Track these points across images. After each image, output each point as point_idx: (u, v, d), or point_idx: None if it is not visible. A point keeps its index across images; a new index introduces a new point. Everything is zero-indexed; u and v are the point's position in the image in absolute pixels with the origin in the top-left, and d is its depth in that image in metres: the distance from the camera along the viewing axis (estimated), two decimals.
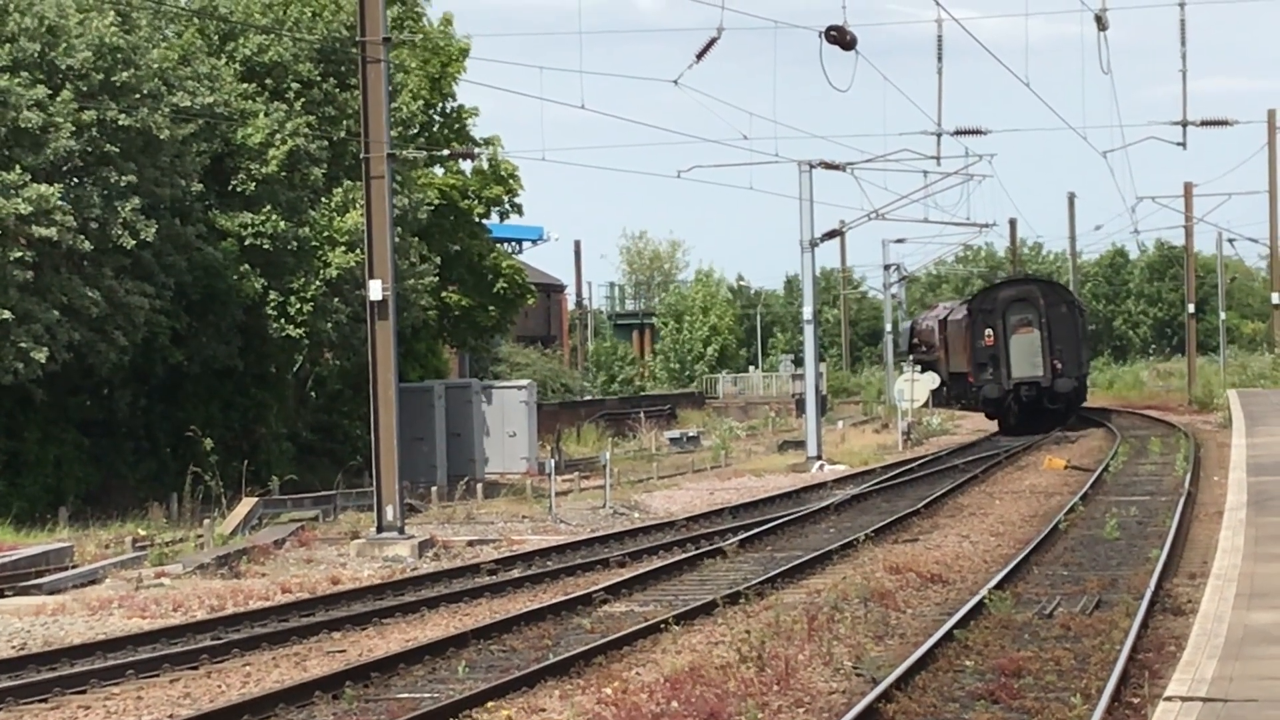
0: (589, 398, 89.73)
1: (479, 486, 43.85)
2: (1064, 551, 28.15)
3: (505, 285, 56.10)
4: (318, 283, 44.53)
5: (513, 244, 75.12)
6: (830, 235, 58.77)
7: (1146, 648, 18.38)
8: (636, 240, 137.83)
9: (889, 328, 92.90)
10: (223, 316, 43.78)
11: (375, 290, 31.37)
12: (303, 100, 45.79)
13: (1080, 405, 67.48)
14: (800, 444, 56.28)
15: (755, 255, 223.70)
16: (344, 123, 45.80)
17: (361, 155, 32.37)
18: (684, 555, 28.65)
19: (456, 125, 54.28)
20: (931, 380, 62.28)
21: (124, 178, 39.31)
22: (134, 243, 39.16)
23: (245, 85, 45.21)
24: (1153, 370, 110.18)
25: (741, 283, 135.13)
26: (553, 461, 42.12)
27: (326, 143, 45.50)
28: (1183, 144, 47.28)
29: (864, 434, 66.53)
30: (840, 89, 34.43)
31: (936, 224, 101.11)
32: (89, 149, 39.12)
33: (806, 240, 53.05)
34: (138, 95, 39.98)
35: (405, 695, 17.84)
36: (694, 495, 42.70)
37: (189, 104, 41.73)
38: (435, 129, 53.22)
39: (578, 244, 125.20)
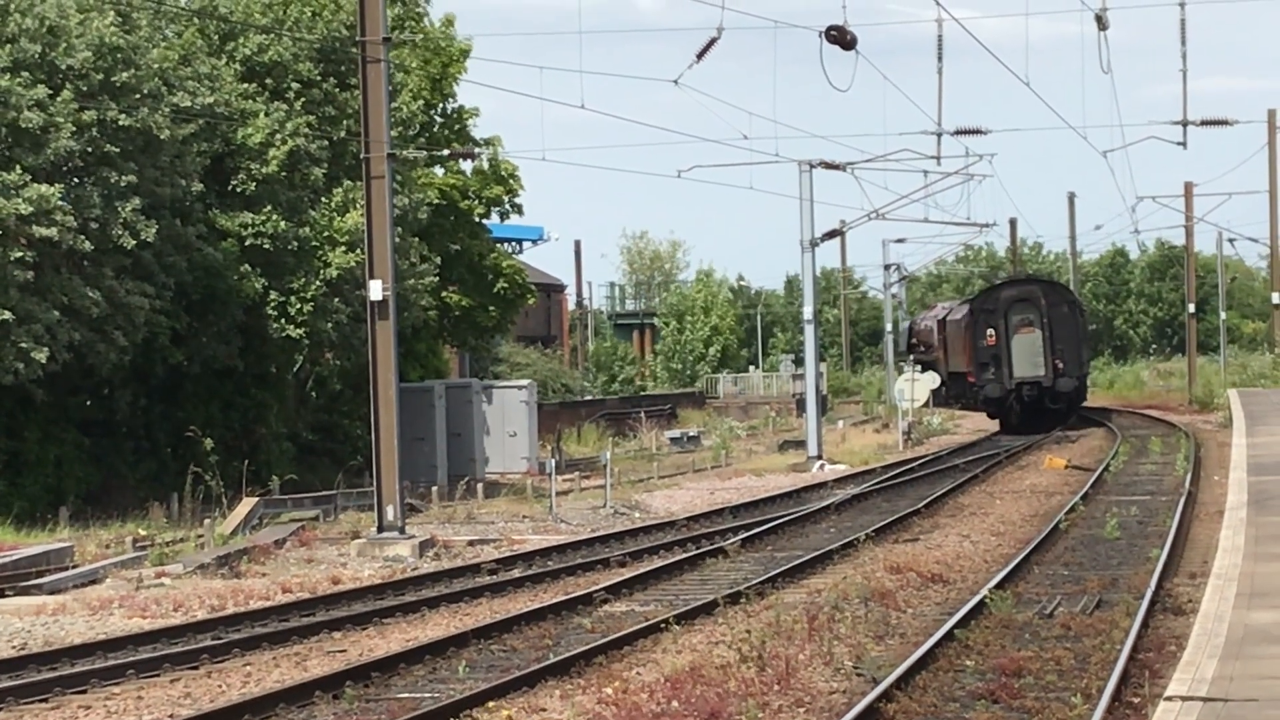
0: (589, 398, 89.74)
1: (479, 486, 43.85)
2: (1064, 551, 28.15)
3: (505, 285, 56.10)
4: (318, 283, 44.53)
5: (513, 244, 75.11)
6: (830, 235, 58.78)
7: (1147, 647, 18.38)
8: (637, 240, 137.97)
9: (889, 327, 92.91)
10: (223, 316, 43.78)
11: (375, 290, 31.38)
12: (303, 100, 45.79)
13: (1081, 405, 67.70)
14: (801, 444, 56.29)
15: (755, 255, 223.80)
16: (344, 122, 45.80)
17: (362, 155, 32.37)
18: (684, 555, 28.65)
19: (457, 126, 54.28)
20: (932, 380, 62.32)
21: (124, 178, 39.31)
22: (134, 243, 39.16)
23: (245, 85, 45.20)
24: (1153, 370, 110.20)
25: (742, 283, 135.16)
26: (553, 461, 42.11)
27: (326, 143, 45.50)
28: (1183, 144, 47.30)
29: (864, 434, 66.54)
30: (840, 89, 34.44)
31: (937, 224, 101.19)
32: (89, 149, 39.12)
33: (807, 240, 53.05)
34: (138, 95, 39.98)
35: (406, 695, 17.84)
36: (694, 495, 42.70)
37: (189, 104, 41.73)
38: (436, 129, 53.23)
39: (578, 244, 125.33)
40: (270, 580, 27.56)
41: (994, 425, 66.77)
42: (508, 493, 44.37)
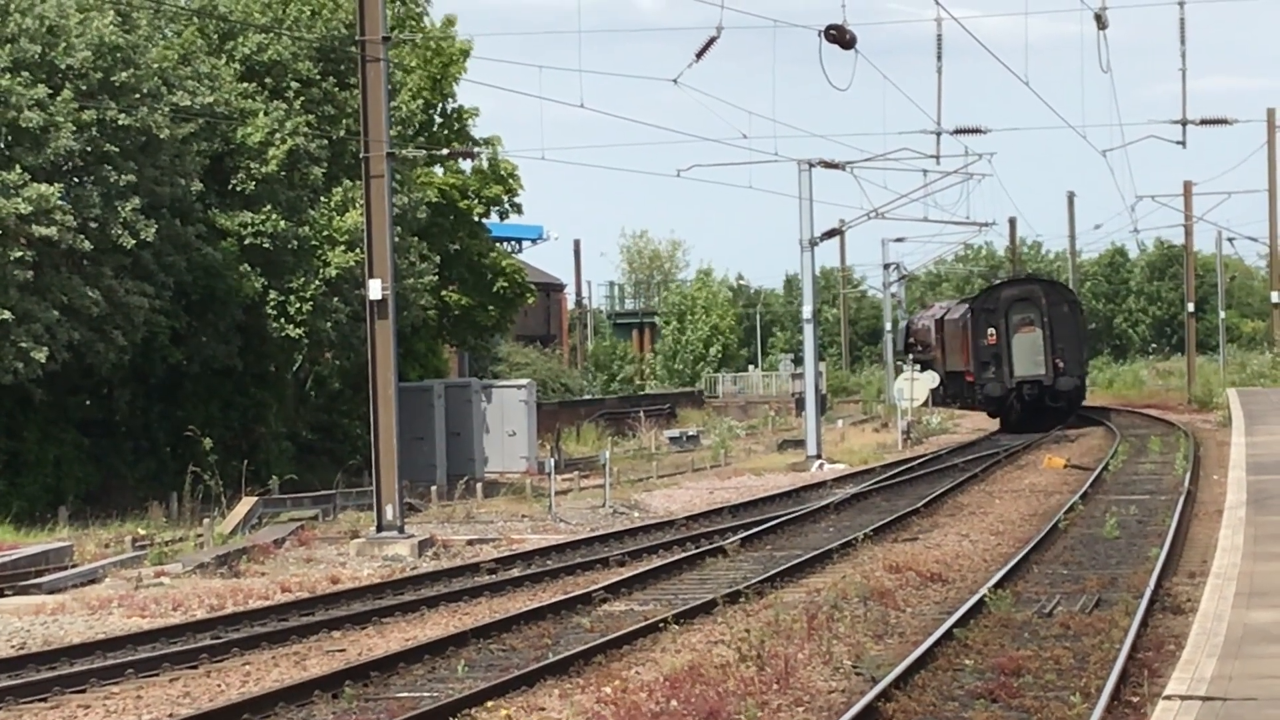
0: (588, 397, 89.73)
1: (479, 486, 43.85)
2: (1064, 550, 28.15)
3: (505, 284, 56.10)
4: (317, 282, 44.52)
5: (512, 243, 75.13)
6: (830, 234, 58.79)
7: (1146, 647, 18.38)
8: (637, 239, 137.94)
9: (888, 327, 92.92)
10: (222, 316, 43.77)
11: (375, 289, 31.38)
12: (302, 99, 45.79)
13: (1080, 404, 67.86)
14: (800, 443, 56.28)
15: (755, 254, 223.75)
16: (343, 121, 45.79)
17: (361, 155, 32.37)
18: (683, 554, 28.65)
19: (457, 125, 54.28)
20: (931, 379, 62.40)
21: (124, 177, 39.31)
22: (134, 242, 39.15)
23: (245, 85, 45.19)
24: (1152, 369, 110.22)
25: (741, 282, 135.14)
26: (552, 461, 42.12)
27: (326, 142, 45.49)
28: (1182, 143, 47.32)
29: (863, 433, 66.56)
30: (840, 88, 34.43)
31: (936, 223, 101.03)
32: (89, 148, 39.11)
33: (806, 239, 53.05)
34: (137, 95, 39.98)
35: (405, 694, 17.84)
36: (693, 494, 42.70)
37: (189, 104, 41.73)
38: (435, 129, 53.22)
39: (577, 243, 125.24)
40: (269, 580, 27.56)
41: (993, 425, 66.92)
42: (507, 492, 44.37)
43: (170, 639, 21.52)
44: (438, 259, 49.54)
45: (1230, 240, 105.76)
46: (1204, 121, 50.18)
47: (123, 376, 42.83)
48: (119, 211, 39.01)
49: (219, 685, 18.76)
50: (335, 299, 44.82)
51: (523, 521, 36.54)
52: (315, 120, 45.57)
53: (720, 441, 62.54)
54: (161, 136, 40.31)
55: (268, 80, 45.98)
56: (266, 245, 44.11)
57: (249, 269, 43.68)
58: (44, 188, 37.33)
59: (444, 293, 53.87)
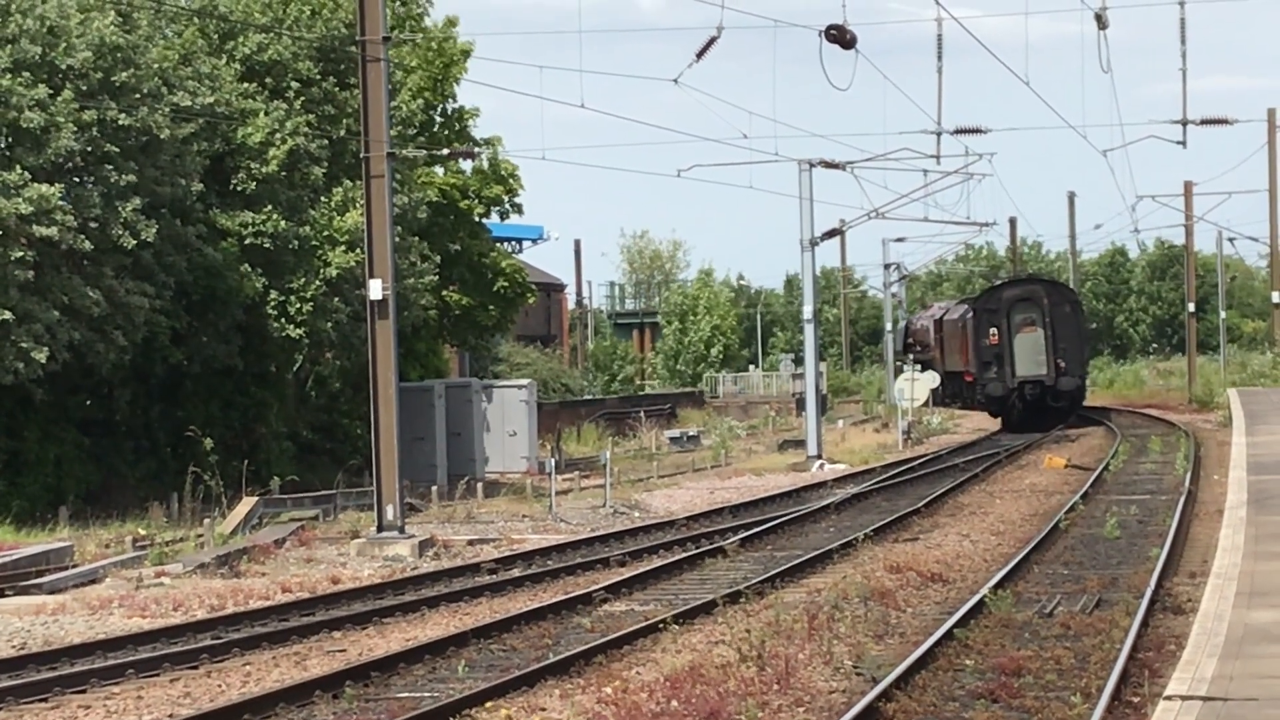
0: (589, 397, 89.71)
1: (479, 486, 43.84)
2: (1064, 550, 28.15)
3: (505, 284, 56.09)
4: (318, 282, 44.51)
5: (513, 243, 75.10)
6: (830, 234, 58.80)
7: (1147, 647, 18.38)
8: (637, 239, 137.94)
9: (889, 327, 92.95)
10: (223, 316, 43.77)
11: (375, 289, 31.37)
12: (302, 99, 45.78)
13: (1081, 404, 68.09)
14: (800, 443, 56.28)
15: (755, 254, 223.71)
16: (344, 121, 45.79)
17: (361, 155, 32.36)
18: (684, 554, 28.65)
19: (457, 126, 54.27)
20: (932, 379, 62.47)
21: (124, 177, 39.30)
22: (134, 242, 39.14)
23: (245, 85, 45.18)
24: (1153, 369, 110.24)
25: (742, 282, 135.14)
26: (553, 461, 42.11)
27: (326, 142, 45.49)
28: (1183, 143, 47.33)
29: (864, 433, 66.57)
30: (840, 88, 34.43)
31: (937, 223, 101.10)
32: (89, 149, 39.11)
33: (806, 239, 53.05)
34: (138, 95, 39.97)
35: (405, 695, 17.84)
36: (694, 494, 42.69)
37: (189, 104, 41.72)
38: (436, 129, 53.21)
39: (578, 243, 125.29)
40: (270, 580, 27.55)
41: (993, 425, 67.04)
42: (507, 492, 44.36)
43: (171, 639, 21.52)
44: (438, 259, 49.54)
45: (1231, 240, 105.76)
46: (1204, 121, 50.21)
47: (123, 376, 42.82)
48: (119, 211, 39.00)
49: (219, 685, 18.76)
50: (336, 299, 44.81)
51: (523, 521, 36.54)
52: (315, 120, 45.56)
53: (721, 442, 62.53)
54: (162, 136, 40.31)
55: (268, 80, 45.98)
56: (267, 245, 44.10)
57: (249, 269, 43.67)
58: (44, 188, 37.33)
59: (444, 293, 53.87)
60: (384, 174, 31.70)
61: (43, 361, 37.42)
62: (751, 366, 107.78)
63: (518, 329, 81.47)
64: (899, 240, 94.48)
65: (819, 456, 51.70)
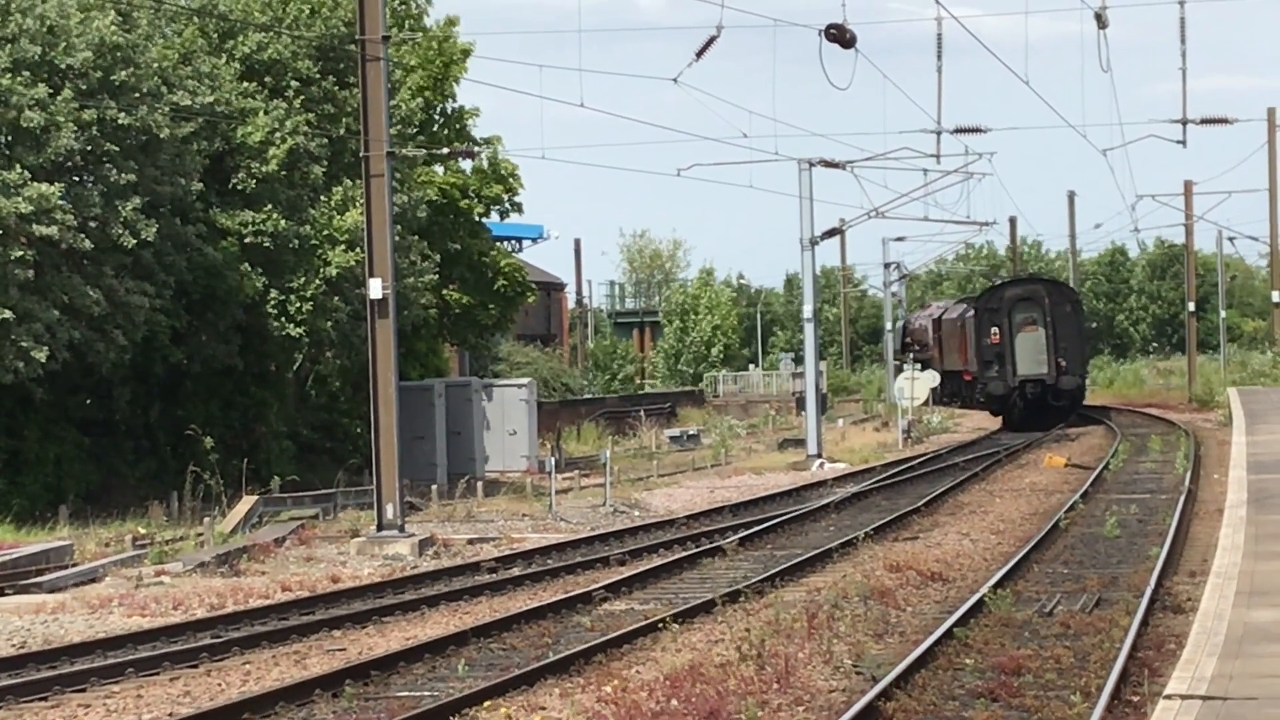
0: (589, 396, 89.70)
1: (479, 485, 43.82)
2: (1064, 550, 28.15)
3: (505, 283, 56.07)
4: (318, 281, 44.50)
5: (513, 243, 75.08)
6: (830, 234, 58.81)
7: (1146, 646, 18.38)
8: (637, 239, 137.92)
9: (889, 326, 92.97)
10: (223, 315, 43.76)
11: (375, 289, 31.37)
12: (302, 98, 45.77)
13: (1082, 403, 68.31)
14: (800, 442, 56.29)
15: (755, 253, 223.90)
16: (343, 120, 45.77)
17: (361, 154, 32.35)
18: (684, 553, 28.65)
19: (457, 125, 54.25)
20: (932, 378, 62.56)
21: (124, 177, 39.29)
22: (134, 242, 39.13)
23: (245, 84, 45.16)
24: (1153, 368, 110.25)
25: (742, 281, 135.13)
26: (553, 460, 42.10)
27: (326, 140, 45.47)
28: (1183, 142, 47.39)
29: (864, 432, 66.59)
30: (840, 87, 34.47)
31: (937, 222, 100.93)
32: (89, 148, 39.09)
33: (806, 238, 53.05)
34: (138, 94, 39.96)
35: (405, 693, 17.84)
36: (694, 493, 42.70)
37: (189, 103, 41.71)
38: (436, 129, 53.19)
39: (578, 242, 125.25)
40: (270, 579, 27.55)
41: (993, 424, 67.18)
42: (507, 491, 44.35)
43: (171, 638, 21.52)
44: (438, 258, 49.52)
45: (1231, 239, 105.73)
46: (1204, 121, 50.25)
47: (123, 376, 42.80)
48: (119, 211, 38.99)
49: (219, 684, 18.76)
50: (336, 298, 44.80)
51: (523, 520, 36.53)
52: (315, 119, 45.55)
53: (721, 441, 62.52)
54: (162, 136, 40.29)
55: (268, 79, 45.96)
56: (267, 244, 44.08)
57: (249, 268, 43.66)
58: (44, 187, 37.31)
59: (444, 292, 53.85)
60: (384, 173, 31.70)
61: (43, 361, 37.41)
62: (751, 365, 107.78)
63: (518, 328, 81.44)
64: (899, 240, 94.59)
65: (819, 455, 51.71)
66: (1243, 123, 66.15)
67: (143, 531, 33.86)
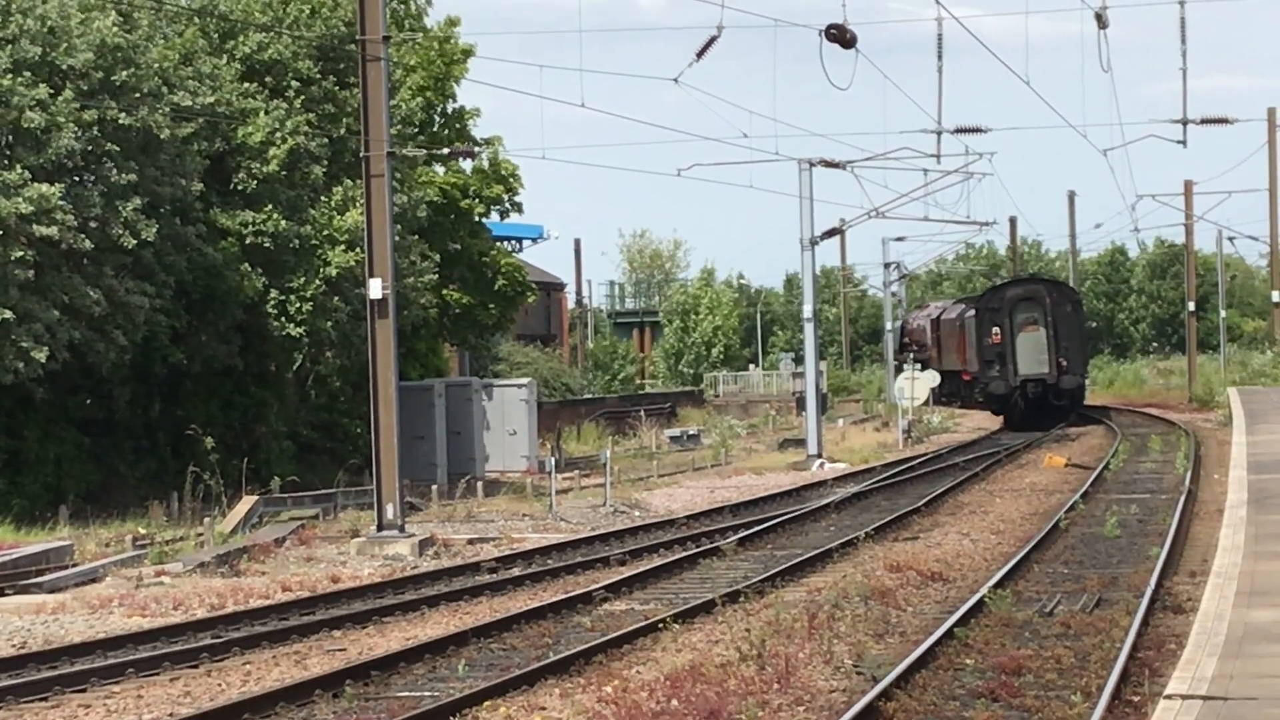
0: (589, 396, 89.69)
1: (479, 485, 43.81)
2: (1064, 550, 28.15)
3: (505, 283, 56.07)
4: (318, 281, 44.49)
5: (513, 242, 75.07)
6: (830, 233, 58.82)
7: (1147, 646, 18.38)
8: (637, 239, 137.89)
9: (889, 326, 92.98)
10: (223, 315, 43.76)
11: (375, 289, 31.37)
12: (302, 98, 45.77)
13: (1082, 402, 68.53)
14: (800, 442, 56.28)
15: (755, 253, 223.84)
16: (343, 120, 45.77)
17: (361, 154, 32.35)
18: (684, 553, 28.65)
19: (458, 126, 54.25)
20: (932, 378, 62.64)
21: (124, 177, 39.29)
22: (134, 242, 39.12)
23: (245, 84, 45.16)
24: (1153, 368, 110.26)
25: (742, 281, 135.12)
26: (553, 460, 42.09)
27: (326, 140, 45.47)
28: (1183, 142, 47.40)
29: (864, 432, 66.60)
30: (840, 87, 34.48)
31: (937, 222, 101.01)
32: (90, 148, 39.09)
33: (806, 238, 53.05)
34: (138, 94, 39.95)
35: (405, 694, 17.84)
36: (694, 493, 42.70)
37: (189, 103, 41.71)
38: (436, 129, 53.19)
39: (578, 242, 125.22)
40: (270, 579, 27.55)
41: (993, 424, 67.31)
42: (507, 491, 44.34)
43: (171, 638, 21.52)
44: (438, 258, 49.52)
45: (1231, 239, 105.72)
46: (1204, 121, 50.27)
47: (123, 376, 42.80)
48: (120, 211, 38.99)
49: (219, 684, 18.75)
50: (336, 298, 44.80)
51: (523, 520, 36.53)
52: (315, 119, 45.54)
53: (721, 441, 62.52)
54: (162, 136, 40.29)
55: (268, 79, 45.96)
56: (267, 245, 44.08)
57: (250, 268, 43.65)
58: (45, 188, 37.31)
59: (444, 292, 53.85)
60: (384, 173, 31.69)
61: (43, 361, 37.41)
62: (751, 365, 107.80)
63: (518, 328, 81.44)
64: (899, 239, 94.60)
65: (819, 455, 51.70)
66: (1243, 123, 66.21)
67: (143, 531, 33.86)
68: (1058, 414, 64.29)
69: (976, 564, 26.73)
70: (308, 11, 46.37)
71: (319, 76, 46.46)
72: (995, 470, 45.43)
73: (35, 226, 37.15)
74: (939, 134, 48.41)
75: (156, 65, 41.21)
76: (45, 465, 40.51)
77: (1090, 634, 19.68)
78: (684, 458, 57.94)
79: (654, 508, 39.22)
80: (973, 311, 71.49)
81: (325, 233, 44.82)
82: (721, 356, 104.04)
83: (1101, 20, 37.63)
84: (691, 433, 69.52)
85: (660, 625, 20.53)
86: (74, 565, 28.90)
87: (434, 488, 42.17)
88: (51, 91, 38.33)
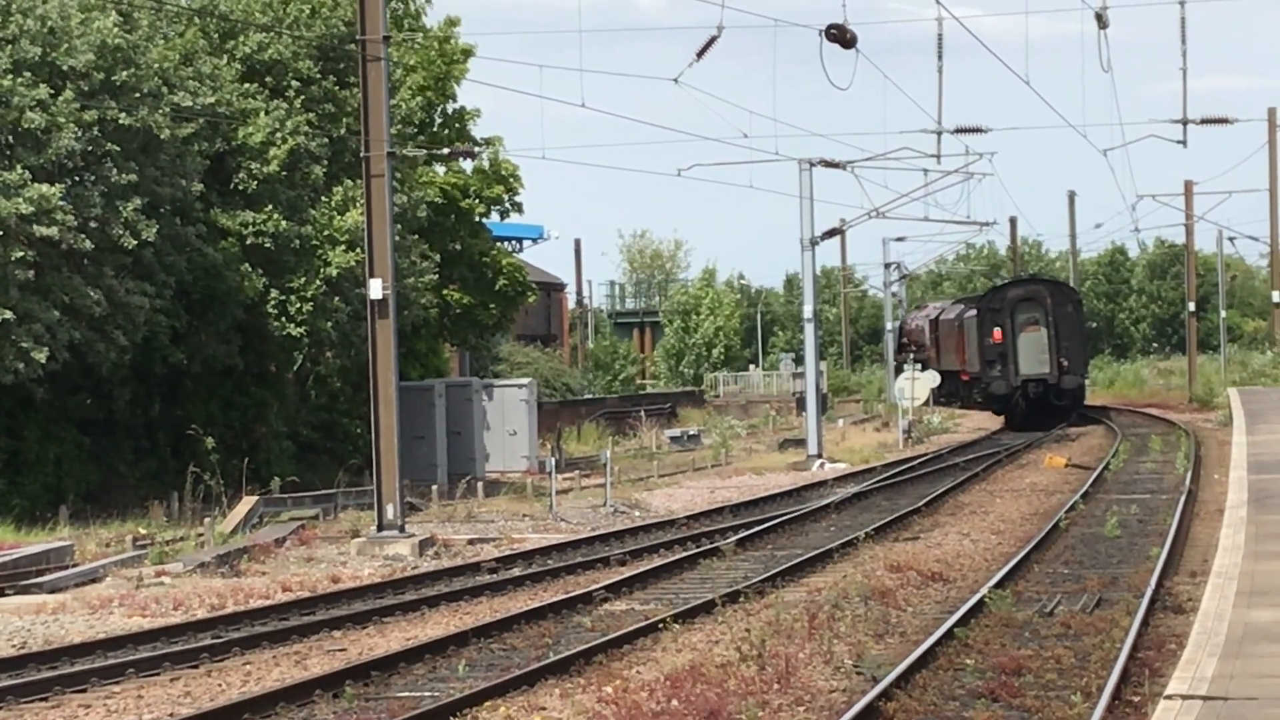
0: (589, 396, 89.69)
1: (479, 485, 43.81)
2: (1065, 550, 28.15)
3: (506, 283, 56.08)
4: (318, 281, 44.50)
5: (513, 243, 75.05)
6: (830, 234, 58.81)
7: (1147, 646, 18.38)
8: (637, 239, 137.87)
9: (889, 326, 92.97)
10: (223, 315, 43.76)
11: (375, 289, 31.37)
12: (302, 98, 45.77)
13: (1083, 402, 68.76)
14: (801, 442, 56.27)
15: (756, 253, 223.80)
16: (343, 120, 45.77)
17: (361, 154, 32.35)
18: (684, 554, 28.64)
19: (458, 126, 54.25)
20: (933, 378, 62.71)
21: (125, 177, 39.29)
22: (135, 242, 39.13)
23: (246, 85, 45.16)
24: (1153, 368, 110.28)
25: (742, 281, 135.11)
26: (553, 460, 42.09)
27: (327, 140, 45.47)
28: (1183, 142, 47.40)
29: (864, 432, 66.61)
30: (840, 87, 34.47)
31: (937, 222, 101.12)
32: (90, 148, 39.09)
33: (807, 239, 53.04)
34: (138, 95, 39.95)
35: (405, 694, 17.84)
36: (694, 493, 42.69)
37: (190, 104, 41.70)
38: (436, 129, 53.19)
39: (578, 242, 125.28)
40: (270, 579, 27.55)
41: (993, 424, 67.43)
42: (508, 491, 44.34)
43: (171, 638, 21.52)
44: (438, 258, 49.53)
45: (1231, 239, 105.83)
46: (1205, 121, 50.28)
47: (123, 376, 42.80)
48: (120, 211, 38.99)
49: (220, 685, 18.75)
50: (336, 298, 44.80)
51: (523, 521, 36.53)
52: (315, 119, 45.54)
53: (721, 441, 62.52)
54: (162, 136, 40.29)
55: (268, 79, 45.97)
56: (268, 245, 44.09)
57: (250, 268, 43.66)
58: (45, 188, 37.31)
59: (445, 292, 53.86)
60: (384, 173, 31.69)
61: (43, 361, 37.41)
62: (752, 366, 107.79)
63: (518, 328, 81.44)
64: (899, 240, 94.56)
65: (819, 455, 51.70)
66: (1243, 123, 66.25)
67: (143, 532, 33.86)
68: (1059, 414, 64.50)
69: (977, 564, 26.73)
70: (308, 11, 46.37)
71: (319, 76, 46.46)
72: (995, 470, 45.42)
73: (35, 227, 37.15)
74: (939, 134, 48.44)
75: (157, 65, 41.21)
76: (45, 465, 40.52)
77: (1090, 634, 19.68)
78: (684, 458, 57.93)
79: (654, 508, 39.21)
80: (971, 312, 71.61)
81: (325, 233, 44.83)
82: (722, 357, 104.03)
83: (1101, 20, 37.64)
84: (692, 433, 69.52)
85: (660, 625, 20.53)
86: (74, 565, 28.90)
87: (434, 488, 42.17)
88: (51, 92, 38.33)
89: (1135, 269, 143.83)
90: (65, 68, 39.03)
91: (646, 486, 45.26)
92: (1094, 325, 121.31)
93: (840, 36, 33.35)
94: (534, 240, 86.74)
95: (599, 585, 24.51)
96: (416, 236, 47.49)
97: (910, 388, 59.70)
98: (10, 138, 38.40)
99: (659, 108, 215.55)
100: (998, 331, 65.41)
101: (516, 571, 27.43)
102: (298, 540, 32.22)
